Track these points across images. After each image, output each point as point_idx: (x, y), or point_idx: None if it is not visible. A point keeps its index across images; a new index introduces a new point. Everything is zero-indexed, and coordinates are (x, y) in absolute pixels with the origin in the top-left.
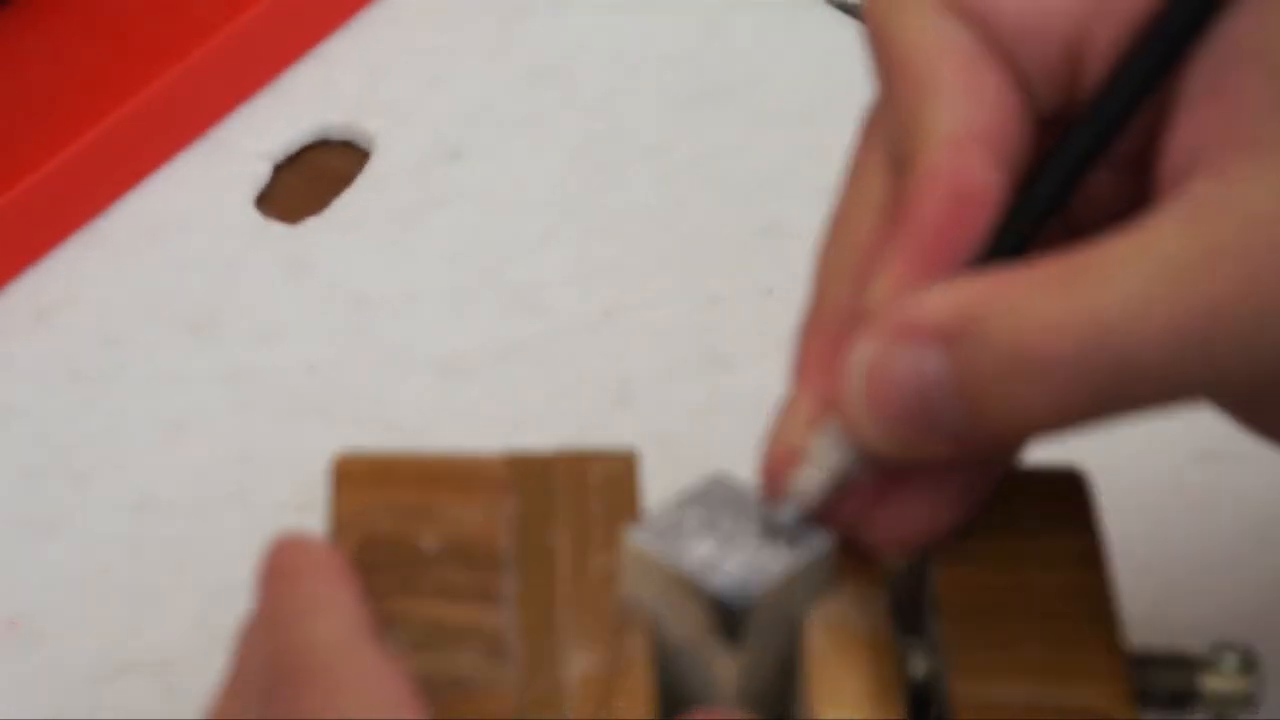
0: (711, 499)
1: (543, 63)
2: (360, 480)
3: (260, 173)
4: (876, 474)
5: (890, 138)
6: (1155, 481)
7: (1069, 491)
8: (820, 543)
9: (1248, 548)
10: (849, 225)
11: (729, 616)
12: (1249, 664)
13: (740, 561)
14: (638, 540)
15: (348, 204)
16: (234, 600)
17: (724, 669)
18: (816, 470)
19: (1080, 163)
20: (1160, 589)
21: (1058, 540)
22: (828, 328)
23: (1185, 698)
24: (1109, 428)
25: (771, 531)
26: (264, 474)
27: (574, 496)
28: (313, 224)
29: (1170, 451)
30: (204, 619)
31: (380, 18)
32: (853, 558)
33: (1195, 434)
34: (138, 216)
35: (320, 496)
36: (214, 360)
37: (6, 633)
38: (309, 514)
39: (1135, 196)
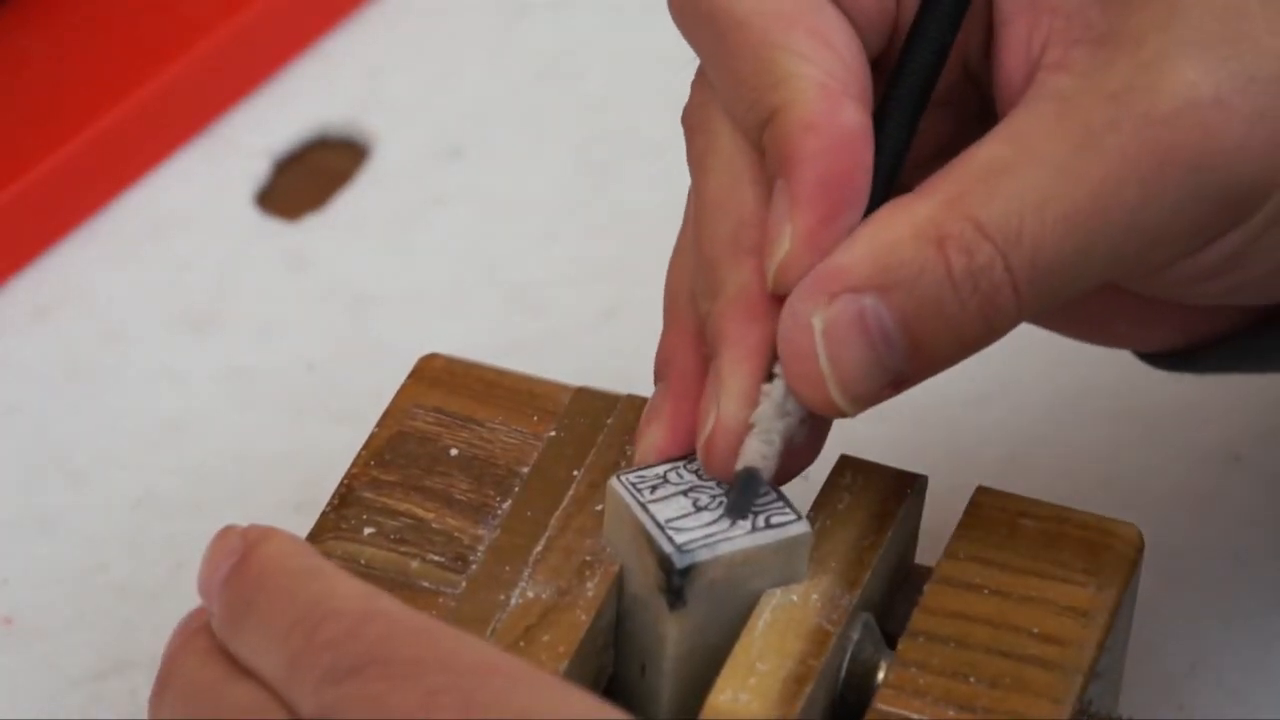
0: None
1: (544, 62)
2: (428, 379)
3: (260, 170)
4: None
5: (736, 109)
6: (1159, 482)
7: (1116, 546)
8: (792, 530)
9: (1250, 547)
10: (726, 205)
11: (671, 578)
12: None
13: (701, 528)
14: (618, 485)
15: (348, 202)
16: None
17: (667, 628)
18: (763, 442)
19: (928, 82)
20: (1162, 587)
21: (1070, 589)
22: (742, 304)
23: None
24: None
25: (738, 511)
26: (264, 473)
27: (616, 436)
28: (313, 221)
29: (1176, 453)
30: None
31: (381, 15)
32: (844, 557)
33: (1200, 435)
34: (137, 213)
35: (319, 495)
36: (213, 358)
37: (1, 630)
38: (308, 513)
39: (955, 130)
